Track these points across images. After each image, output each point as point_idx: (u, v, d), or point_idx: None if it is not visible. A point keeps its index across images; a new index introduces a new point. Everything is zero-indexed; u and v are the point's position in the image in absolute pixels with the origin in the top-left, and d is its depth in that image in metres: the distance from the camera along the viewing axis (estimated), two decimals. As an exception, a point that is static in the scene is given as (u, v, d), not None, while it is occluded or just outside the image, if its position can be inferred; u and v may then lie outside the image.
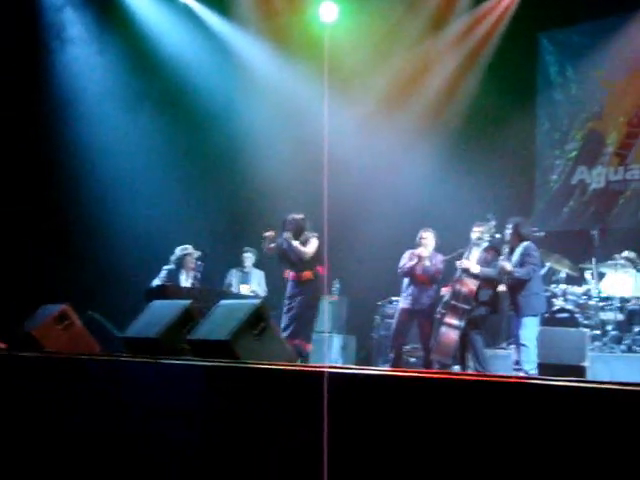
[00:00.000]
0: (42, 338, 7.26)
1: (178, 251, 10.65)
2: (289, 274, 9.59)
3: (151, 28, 12.81)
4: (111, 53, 12.75)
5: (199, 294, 9.61)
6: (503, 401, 3.75)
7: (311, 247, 9.46)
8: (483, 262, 9.10)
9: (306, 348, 9.34)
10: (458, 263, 9.12)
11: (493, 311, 9.29)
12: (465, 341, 8.98)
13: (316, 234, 9.56)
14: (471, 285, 8.97)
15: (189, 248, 10.66)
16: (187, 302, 6.70)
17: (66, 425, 5.87)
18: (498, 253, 9.08)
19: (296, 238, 9.50)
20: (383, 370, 5.71)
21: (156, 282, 10.48)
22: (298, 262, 9.49)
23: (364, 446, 4.13)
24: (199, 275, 10.52)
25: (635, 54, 11.81)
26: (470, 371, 8.81)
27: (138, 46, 12.73)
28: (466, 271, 9.00)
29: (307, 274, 9.46)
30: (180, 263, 10.66)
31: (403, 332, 9.63)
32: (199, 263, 10.57)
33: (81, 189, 12.36)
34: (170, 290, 9.82)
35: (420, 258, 9.43)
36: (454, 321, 8.88)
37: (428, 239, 9.54)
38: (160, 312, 6.74)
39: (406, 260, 9.55)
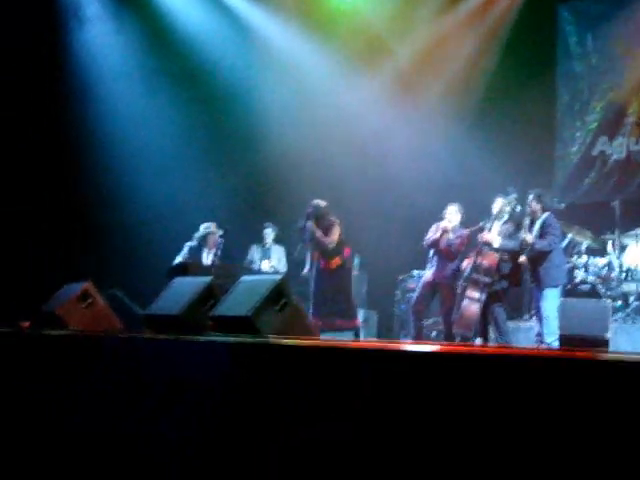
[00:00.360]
0: (65, 316, 7.31)
1: (202, 229, 10.67)
2: (319, 261, 9.79)
3: (167, 5, 12.77)
4: (128, 31, 12.71)
5: (220, 271, 9.63)
6: (526, 374, 3.75)
7: (334, 235, 9.67)
8: (504, 235, 9.07)
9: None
10: (479, 236, 9.10)
11: (514, 284, 9.27)
12: (487, 314, 8.97)
13: (337, 220, 9.77)
14: (492, 258, 8.95)
15: (212, 226, 10.68)
16: (208, 279, 6.72)
17: (89, 404, 5.91)
18: (519, 226, 9.05)
19: (318, 225, 9.71)
20: (407, 344, 5.73)
21: (178, 259, 10.51)
22: (325, 250, 9.69)
23: (389, 421, 4.14)
24: (219, 252, 10.53)
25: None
26: (492, 344, 8.81)
27: (155, 24, 12.70)
28: (487, 244, 8.99)
29: (336, 261, 9.70)
30: (203, 241, 10.69)
31: (423, 304, 9.62)
32: (220, 240, 10.59)
33: (102, 168, 12.37)
34: (192, 267, 9.85)
35: (444, 231, 9.41)
36: (475, 294, 8.88)
37: (452, 213, 9.51)
38: (182, 289, 6.75)
39: (432, 233, 9.54)
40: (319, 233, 9.64)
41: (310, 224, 9.68)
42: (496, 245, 8.97)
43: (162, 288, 6.99)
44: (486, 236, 9.04)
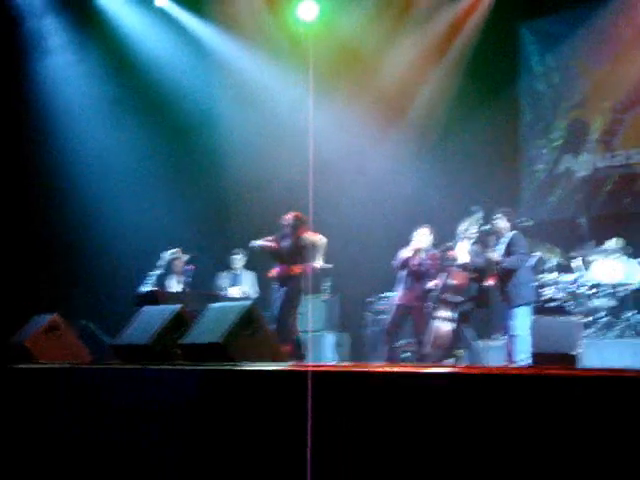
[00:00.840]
0: (34, 348, 7.25)
1: (167, 255, 10.59)
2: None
3: (130, 34, 12.73)
4: (91, 61, 12.65)
5: (189, 298, 9.58)
6: (497, 394, 3.75)
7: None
8: (473, 254, 9.10)
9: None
10: (448, 254, 9.12)
11: (481, 305, 9.30)
12: (456, 334, 8.97)
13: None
14: (462, 277, 8.97)
15: (177, 252, 10.62)
16: (178, 306, 6.68)
17: (60, 434, 5.85)
18: (485, 245, 9.09)
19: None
20: (376, 367, 5.71)
21: (144, 287, 10.42)
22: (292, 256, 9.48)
23: (359, 445, 4.13)
24: (189, 279, 10.47)
25: (615, 40, 11.83)
26: (463, 364, 8.81)
27: (118, 52, 12.64)
28: (453, 259, 9.00)
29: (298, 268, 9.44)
30: (169, 267, 10.61)
31: (396, 326, 9.62)
32: (189, 267, 10.53)
33: (66, 198, 12.28)
34: (160, 295, 9.78)
35: (416, 250, 9.42)
36: (446, 314, 8.88)
37: (424, 235, 9.52)
38: (151, 318, 6.71)
39: (402, 252, 9.54)
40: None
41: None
42: (464, 262, 8.99)
43: (130, 317, 6.94)
44: (454, 253, 9.05)
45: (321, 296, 11.71)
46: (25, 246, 11.79)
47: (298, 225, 9.50)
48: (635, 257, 10.13)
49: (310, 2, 11.97)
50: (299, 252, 9.41)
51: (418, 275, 9.42)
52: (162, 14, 12.92)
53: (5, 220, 11.66)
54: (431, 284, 9.22)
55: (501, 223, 9.05)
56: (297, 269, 9.38)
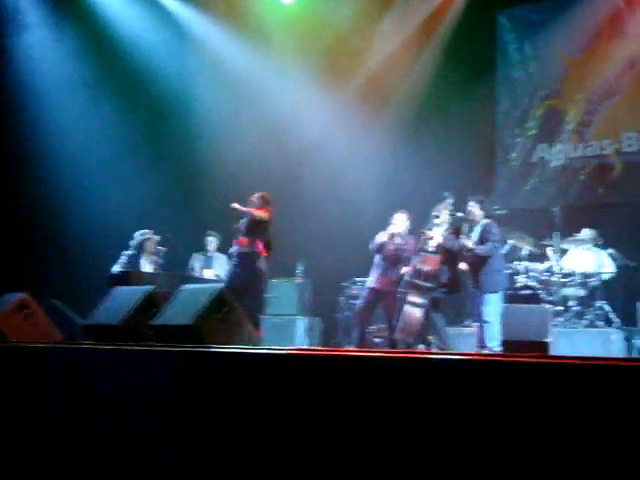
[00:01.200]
0: (3, 327, 7.19)
1: (137, 236, 10.53)
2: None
3: (107, 13, 12.64)
4: (68, 39, 12.54)
5: (162, 279, 9.54)
6: (467, 379, 3.76)
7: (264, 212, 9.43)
8: (446, 239, 9.12)
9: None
10: (424, 232, 9.09)
11: (453, 291, 9.33)
12: (426, 320, 8.99)
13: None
14: (433, 263, 8.99)
15: (148, 233, 10.56)
16: (150, 287, 6.66)
17: (29, 415, 5.81)
18: (458, 232, 9.12)
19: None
20: (347, 351, 5.72)
21: (116, 268, 10.37)
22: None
23: (331, 428, 4.13)
24: (161, 260, 10.43)
25: (592, 30, 11.88)
26: (433, 349, 8.85)
27: (94, 31, 12.55)
28: (430, 239, 8.99)
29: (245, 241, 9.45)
30: (140, 248, 10.55)
31: (368, 311, 9.62)
32: (161, 248, 10.48)
33: (40, 175, 12.19)
34: (133, 276, 9.73)
35: (392, 235, 9.41)
36: (417, 299, 8.89)
37: (401, 220, 9.51)
38: (122, 298, 6.68)
39: (379, 238, 9.53)
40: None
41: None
42: (439, 242, 9.01)
43: (102, 297, 6.91)
44: (428, 232, 9.06)
45: (293, 280, 11.70)
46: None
47: (262, 204, 9.48)
48: (606, 248, 10.22)
49: (289, -16, 11.93)
50: (251, 228, 9.43)
51: (393, 260, 9.42)
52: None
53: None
54: (404, 270, 9.23)
55: (475, 210, 9.10)
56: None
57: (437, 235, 9.13)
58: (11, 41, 12.40)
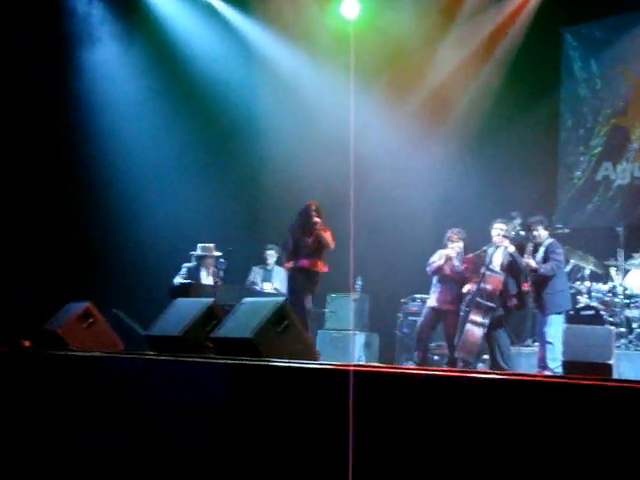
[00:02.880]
0: (66, 336, 7.30)
1: (199, 248, 10.63)
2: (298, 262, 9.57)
3: (176, 28, 12.82)
4: (137, 54, 12.75)
5: (222, 292, 9.61)
6: (529, 400, 3.73)
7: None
8: (516, 257, 9.01)
9: None
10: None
11: (519, 307, 9.21)
12: (490, 338, 8.92)
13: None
14: (496, 282, 8.91)
15: (211, 247, 10.63)
16: (210, 300, 6.72)
17: (90, 423, 5.88)
18: (522, 250, 9.03)
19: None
20: (408, 369, 5.69)
21: (177, 280, 10.47)
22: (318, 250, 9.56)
23: (389, 444, 4.11)
24: (222, 273, 10.49)
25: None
26: (495, 369, 8.76)
27: (163, 45, 12.74)
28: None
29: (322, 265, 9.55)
30: (201, 260, 10.64)
31: (429, 330, 9.60)
32: (222, 261, 10.54)
33: (106, 188, 12.39)
34: (193, 288, 9.83)
35: (448, 258, 9.39)
36: (478, 318, 8.82)
37: (454, 240, 9.48)
38: (183, 310, 6.75)
39: (436, 258, 9.51)
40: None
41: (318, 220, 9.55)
42: (501, 261, 8.93)
43: (163, 308, 6.98)
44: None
45: (352, 294, 11.69)
46: (62, 235, 11.90)
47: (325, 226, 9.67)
48: (671, 269, 10.03)
49: (352, 0, 11.95)
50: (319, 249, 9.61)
51: (451, 280, 9.39)
52: (208, 8, 12.99)
53: (43, 209, 11.78)
54: (465, 288, 9.18)
55: (539, 230, 9.01)
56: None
57: (498, 257, 9.04)
58: (82, 55, 12.64)
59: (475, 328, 8.79)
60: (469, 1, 12.43)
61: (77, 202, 12.25)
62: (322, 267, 9.54)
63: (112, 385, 5.90)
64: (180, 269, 10.61)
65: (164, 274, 10.84)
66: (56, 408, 6.19)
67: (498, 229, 9.13)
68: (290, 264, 9.65)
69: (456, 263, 9.39)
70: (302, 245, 9.52)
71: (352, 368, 4.33)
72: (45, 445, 6.05)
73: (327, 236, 9.47)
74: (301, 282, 9.48)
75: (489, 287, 8.89)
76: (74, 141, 12.31)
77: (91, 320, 7.53)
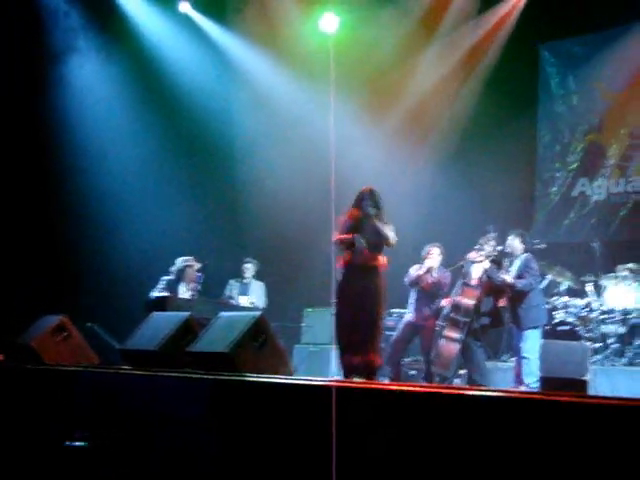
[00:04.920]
0: (40, 349, 7.24)
1: (179, 262, 10.57)
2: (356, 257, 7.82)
3: (154, 39, 12.81)
4: (113, 63, 12.73)
5: (199, 306, 9.55)
6: (505, 415, 3.73)
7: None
8: (491, 272, 9.03)
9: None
10: (504, 278, 8.94)
11: (493, 326, 9.25)
12: (466, 353, 8.93)
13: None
14: (472, 297, 8.92)
15: (191, 260, 10.58)
16: (187, 314, 6.68)
17: (64, 437, 5.83)
18: (499, 266, 9.05)
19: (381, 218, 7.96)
20: (384, 385, 5.68)
21: (154, 293, 10.40)
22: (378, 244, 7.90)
23: (370, 459, 4.10)
24: (199, 286, 10.44)
25: (635, 65, 11.79)
26: (471, 384, 8.76)
27: (140, 56, 12.73)
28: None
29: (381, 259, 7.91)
30: (180, 274, 10.58)
31: (403, 345, 9.60)
32: (199, 275, 10.49)
33: (83, 200, 12.34)
34: (170, 301, 9.77)
35: (430, 268, 9.40)
36: (454, 334, 8.83)
37: (434, 254, 9.50)
38: (159, 324, 6.71)
39: (414, 271, 9.52)
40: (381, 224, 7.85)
41: (373, 210, 7.94)
42: (479, 275, 8.93)
43: (139, 322, 6.94)
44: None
45: (329, 309, 11.65)
46: (37, 247, 11.82)
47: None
48: (646, 284, 10.08)
49: (331, 15, 11.97)
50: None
51: (430, 294, 9.41)
52: (186, 20, 12.99)
53: (17, 221, 11.70)
54: (443, 302, 9.20)
55: (515, 244, 9.04)
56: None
57: (476, 273, 9.06)
58: (59, 65, 12.60)
59: (449, 343, 8.80)
60: (448, 17, 12.49)
61: (53, 214, 12.18)
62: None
63: (87, 400, 5.85)
64: (158, 282, 10.56)
65: (140, 287, 10.77)
66: (30, 423, 6.13)
67: (475, 250, 9.19)
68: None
69: (435, 275, 9.41)
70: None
71: (334, 384, 4.31)
72: (19, 459, 5.99)
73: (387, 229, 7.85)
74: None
75: (465, 302, 8.91)
76: (52, 152, 12.26)
77: (66, 334, 7.47)
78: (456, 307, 8.91)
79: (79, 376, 6.17)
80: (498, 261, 9.11)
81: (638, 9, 11.16)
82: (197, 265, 10.53)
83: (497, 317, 9.19)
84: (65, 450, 5.69)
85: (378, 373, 7.61)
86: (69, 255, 12.11)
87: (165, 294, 10.20)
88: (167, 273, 10.58)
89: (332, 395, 4.10)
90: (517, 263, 9.01)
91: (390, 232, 7.84)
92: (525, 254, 9.05)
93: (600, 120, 12.32)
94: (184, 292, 10.53)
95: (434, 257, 9.47)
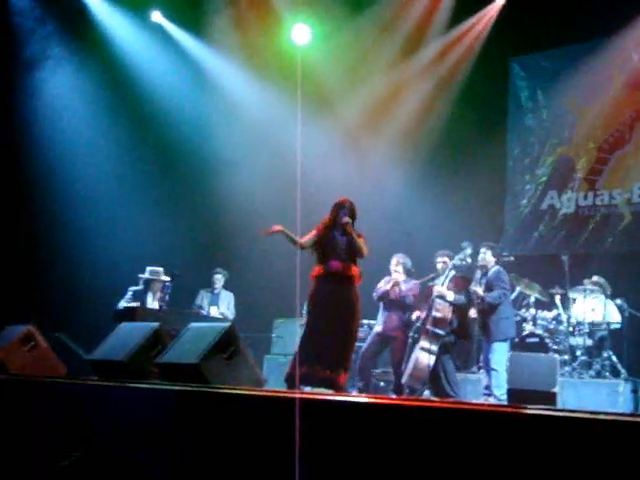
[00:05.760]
0: (7, 359, 7.17)
1: (148, 272, 10.51)
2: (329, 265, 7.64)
3: (125, 47, 12.77)
4: (87, 72, 12.66)
5: (168, 316, 9.50)
6: (474, 428, 3.73)
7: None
8: (453, 289, 9.09)
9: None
10: (435, 290, 9.05)
11: (462, 338, 9.28)
12: (437, 365, 8.93)
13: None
14: (446, 311, 8.94)
15: (160, 271, 10.52)
16: (156, 324, 6.65)
17: (30, 447, 5.77)
18: (467, 280, 9.11)
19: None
20: (354, 397, 5.68)
21: (122, 304, 10.33)
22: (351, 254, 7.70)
23: (334, 471, 4.09)
24: (167, 297, 10.38)
25: (603, 80, 11.91)
26: (441, 396, 8.76)
27: (111, 65, 12.68)
28: (441, 297, 8.98)
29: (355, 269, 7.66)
30: (148, 284, 10.51)
31: (372, 356, 9.59)
32: (168, 284, 10.43)
33: (50, 208, 12.24)
34: (139, 312, 9.71)
35: (395, 283, 9.42)
36: (428, 345, 8.82)
37: (399, 265, 9.53)
38: (128, 334, 6.67)
39: (382, 285, 9.53)
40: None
41: (347, 219, 7.73)
42: (449, 298, 8.97)
43: (108, 333, 6.89)
44: (439, 289, 9.02)
45: (298, 319, 11.64)
46: (3, 255, 11.71)
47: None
48: (614, 297, 10.16)
49: (303, 26, 11.99)
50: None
51: (398, 306, 9.41)
52: (158, 30, 12.96)
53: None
54: (414, 315, 9.22)
55: (487, 257, 9.09)
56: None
57: (445, 286, 9.09)
58: (31, 74, 12.51)
59: (424, 355, 8.79)
60: (420, 31, 12.55)
61: (22, 223, 12.08)
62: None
63: (54, 411, 5.79)
64: (126, 293, 10.49)
65: (109, 297, 10.70)
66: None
67: (442, 261, 9.24)
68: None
69: (402, 288, 9.43)
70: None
71: (298, 396, 4.30)
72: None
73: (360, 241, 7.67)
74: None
75: (439, 315, 8.92)
76: (22, 160, 12.17)
77: (33, 344, 7.41)
78: (430, 320, 8.90)
79: (46, 386, 6.11)
80: (464, 277, 9.18)
81: (603, 26, 11.28)
82: (165, 277, 10.47)
83: (463, 332, 9.22)
84: (32, 461, 5.64)
85: (343, 387, 7.47)
86: (37, 264, 12.01)
87: (134, 304, 10.14)
88: (136, 283, 10.52)
89: (296, 407, 4.09)
90: (489, 276, 9.06)
91: (363, 244, 7.70)
92: (496, 267, 9.11)
93: (569, 134, 12.41)
94: (152, 302, 10.48)
95: (400, 270, 9.50)
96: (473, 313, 9.05)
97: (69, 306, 11.54)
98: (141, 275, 10.53)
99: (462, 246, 9.23)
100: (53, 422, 5.72)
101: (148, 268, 10.53)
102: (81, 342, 9.69)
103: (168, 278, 10.39)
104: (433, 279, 9.27)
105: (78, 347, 9.75)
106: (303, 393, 4.89)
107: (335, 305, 7.50)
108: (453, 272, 9.17)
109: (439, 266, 9.29)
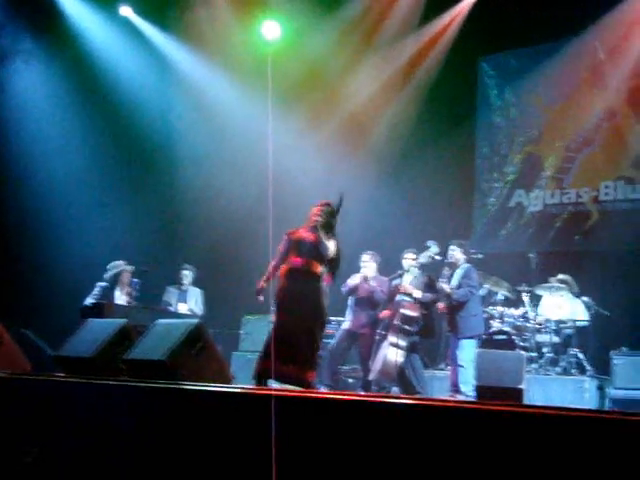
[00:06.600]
0: (-29, 356, 7.09)
1: (112, 267, 10.43)
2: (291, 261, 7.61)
3: (93, 41, 12.68)
4: (55, 67, 12.56)
5: (136, 312, 9.44)
6: (441, 424, 3.75)
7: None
8: (421, 287, 9.12)
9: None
10: (401, 287, 9.10)
11: (426, 336, 9.33)
12: (405, 363, 8.95)
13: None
14: (415, 307, 8.98)
15: (122, 264, 10.44)
16: (123, 321, 6.60)
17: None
18: (432, 279, 9.16)
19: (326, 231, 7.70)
20: (323, 394, 5.67)
21: (89, 300, 10.24)
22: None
23: (308, 467, 4.09)
24: (135, 293, 10.32)
25: (572, 80, 11.99)
26: (409, 392, 8.79)
27: (81, 61, 12.58)
28: (408, 295, 9.02)
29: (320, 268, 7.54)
30: (114, 280, 10.43)
31: (341, 352, 9.60)
32: (135, 280, 10.37)
33: (14, 203, 12.14)
34: (106, 308, 9.63)
35: (365, 278, 9.45)
36: (396, 341, 8.86)
37: (369, 261, 9.56)
38: (95, 330, 6.62)
39: (351, 279, 9.55)
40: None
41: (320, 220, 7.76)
42: (416, 296, 9.00)
43: (75, 329, 6.83)
44: (406, 286, 9.06)
45: (267, 316, 11.62)
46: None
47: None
48: (581, 295, 10.24)
49: (272, 22, 11.96)
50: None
51: (367, 302, 9.44)
52: (126, 24, 12.87)
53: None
54: (383, 314, 9.24)
55: (457, 255, 9.15)
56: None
57: (409, 286, 9.13)
58: (0, 69, 12.40)
59: (393, 351, 8.82)
60: (388, 28, 12.56)
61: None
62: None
63: (19, 408, 5.74)
64: (93, 289, 10.41)
65: (75, 293, 10.60)
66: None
67: (409, 258, 9.27)
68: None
69: (372, 283, 9.45)
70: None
71: (273, 393, 4.30)
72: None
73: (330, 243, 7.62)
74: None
75: (408, 312, 8.96)
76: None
77: (-2, 339, 7.33)
78: (399, 316, 8.93)
79: (11, 383, 6.06)
80: (429, 277, 9.23)
81: (571, 25, 11.37)
82: (130, 269, 10.40)
83: (428, 329, 9.27)
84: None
85: (311, 385, 7.43)
86: (3, 260, 11.89)
87: (101, 301, 10.07)
88: (102, 279, 10.45)
89: (271, 404, 4.08)
90: (459, 273, 9.11)
91: (331, 246, 7.62)
92: (466, 264, 9.17)
93: (537, 132, 12.49)
94: (119, 298, 10.41)
95: (370, 266, 9.53)
96: (441, 306, 9.10)
97: (35, 302, 11.44)
98: (106, 274, 10.45)
99: (427, 245, 9.28)
100: (17, 419, 5.67)
101: (111, 264, 10.44)
102: (47, 339, 9.61)
103: (132, 268, 10.33)
104: (400, 276, 9.31)
105: (44, 344, 9.67)
106: (278, 390, 4.89)
107: (297, 301, 7.42)
108: (419, 270, 9.22)
109: (406, 264, 9.32)
